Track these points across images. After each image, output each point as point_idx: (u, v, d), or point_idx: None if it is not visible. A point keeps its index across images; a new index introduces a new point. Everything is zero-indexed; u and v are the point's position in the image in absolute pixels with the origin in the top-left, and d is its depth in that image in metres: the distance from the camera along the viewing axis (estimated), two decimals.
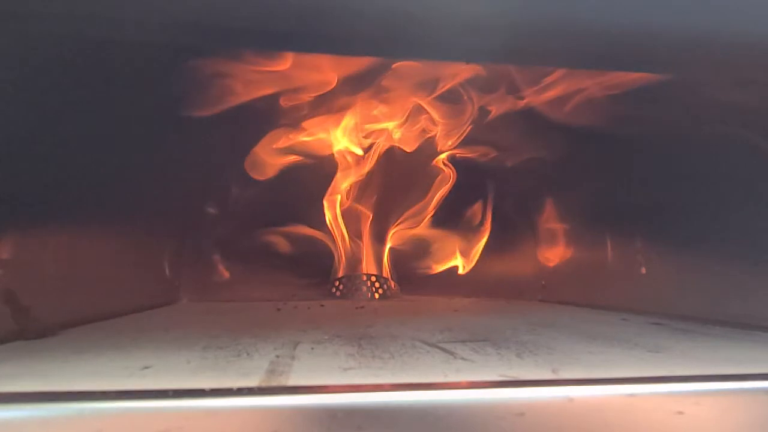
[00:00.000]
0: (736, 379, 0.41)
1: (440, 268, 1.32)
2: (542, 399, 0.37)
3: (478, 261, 1.31)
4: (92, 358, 0.48)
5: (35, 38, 0.63)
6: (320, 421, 0.34)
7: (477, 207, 1.34)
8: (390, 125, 1.21)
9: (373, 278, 1.29)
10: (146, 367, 0.44)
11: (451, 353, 0.52)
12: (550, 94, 1.05)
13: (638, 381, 0.40)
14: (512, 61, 0.71)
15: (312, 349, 0.54)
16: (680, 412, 0.38)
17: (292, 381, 0.40)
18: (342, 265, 1.31)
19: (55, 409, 0.32)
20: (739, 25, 0.51)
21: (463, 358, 0.49)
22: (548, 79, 1.01)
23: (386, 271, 1.32)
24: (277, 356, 0.49)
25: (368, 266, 1.31)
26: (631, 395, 0.38)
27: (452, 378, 0.41)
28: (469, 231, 1.32)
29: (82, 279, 0.77)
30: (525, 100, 1.07)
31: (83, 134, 0.77)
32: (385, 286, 1.29)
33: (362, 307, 1.06)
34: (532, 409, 0.37)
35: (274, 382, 0.39)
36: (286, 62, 0.96)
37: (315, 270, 1.30)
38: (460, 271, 1.31)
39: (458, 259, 1.32)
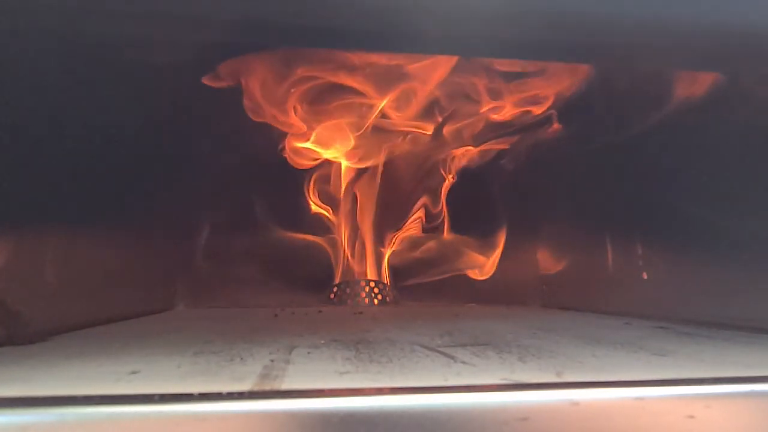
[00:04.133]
0: (747, 381, 0.40)
1: (441, 274, 1.30)
2: (546, 402, 0.36)
3: (483, 267, 1.29)
4: (80, 364, 0.47)
5: (36, 34, 0.62)
6: (314, 426, 0.33)
7: (477, 213, 1.32)
8: (394, 127, 1.19)
9: (372, 284, 1.27)
10: (134, 372, 0.42)
11: (452, 357, 0.50)
12: (550, 96, 1.04)
13: (646, 384, 0.39)
14: (513, 56, 0.70)
15: (308, 353, 0.52)
16: (691, 416, 0.36)
17: (286, 385, 0.38)
18: (341, 271, 1.30)
19: (35, 414, 0.31)
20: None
21: (463, 362, 0.47)
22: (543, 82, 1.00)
23: (386, 277, 1.30)
24: (272, 360, 0.48)
25: (367, 272, 1.30)
26: (639, 398, 0.37)
27: (453, 381, 0.40)
28: (470, 237, 1.31)
29: (75, 285, 0.76)
30: (523, 103, 1.06)
31: (79, 139, 0.76)
32: (384, 292, 1.27)
33: (361, 312, 1.05)
34: (536, 413, 0.35)
35: (267, 386, 0.37)
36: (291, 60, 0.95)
37: (313, 276, 1.28)
38: (476, 277, 1.29)
39: (460, 265, 1.30)
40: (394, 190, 1.31)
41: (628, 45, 0.49)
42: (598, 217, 1.08)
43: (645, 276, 0.94)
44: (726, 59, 0.57)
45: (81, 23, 0.56)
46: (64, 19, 0.55)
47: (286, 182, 1.26)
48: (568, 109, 1.06)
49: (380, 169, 1.28)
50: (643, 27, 0.44)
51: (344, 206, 1.30)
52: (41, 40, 0.63)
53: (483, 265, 1.28)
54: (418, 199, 1.32)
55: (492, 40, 0.45)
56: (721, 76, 0.73)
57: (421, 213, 1.33)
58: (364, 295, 1.26)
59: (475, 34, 0.45)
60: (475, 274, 1.28)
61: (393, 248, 1.32)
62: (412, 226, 1.33)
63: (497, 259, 1.27)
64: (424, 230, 1.33)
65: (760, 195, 0.72)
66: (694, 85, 0.79)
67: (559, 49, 0.49)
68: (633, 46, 0.48)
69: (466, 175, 1.29)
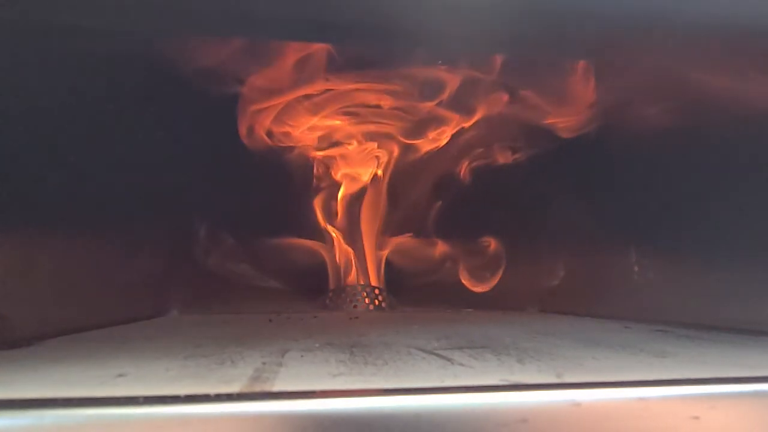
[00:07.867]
0: (752, 381, 0.39)
1: (439, 279, 1.29)
2: (547, 403, 0.35)
3: (480, 272, 1.27)
4: (65, 368, 0.45)
5: (36, 34, 0.61)
6: (305, 429, 0.31)
7: (476, 217, 1.31)
8: (394, 129, 1.18)
9: (369, 289, 1.26)
10: (120, 375, 0.41)
11: (449, 359, 0.49)
12: (549, 101, 1.03)
13: (649, 384, 0.37)
14: (512, 52, 0.69)
15: (301, 356, 0.51)
16: (695, 417, 0.35)
17: (277, 387, 0.37)
18: (337, 277, 1.28)
19: (9, 417, 0.29)
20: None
21: (461, 364, 0.46)
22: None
23: (383, 283, 1.29)
24: (264, 363, 0.46)
25: (364, 277, 1.28)
26: (642, 399, 0.35)
27: (450, 383, 0.39)
28: (469, 242, 1.30)
29: (67, 289, 0.74)
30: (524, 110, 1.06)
31: (73, 142, 0.75)
32: (381, 298, 1.26)
33: (357, 317, 1.03)
34: (536, 414, 0.34)
35: (257, 389, 0.36)
36: (283, 58, 0.94)
37: (310, 281, 1.27)
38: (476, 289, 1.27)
39: (458, 270, 1.29)
40: (393, 195, 1.30)
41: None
42: (596, 220, 1.07)
43: (641, 281, 0.93)
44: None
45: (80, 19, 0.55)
46: (65, 16, 0.55)
47: (284, 185, 1.25)
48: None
49: (380, 173, 1.27)
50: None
51: (342, 210, 1.29)
52: (43, 43, 0.62)
53: (483, 274, 1.27)
54: (418, 203, 1.31)
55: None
56: (717, 76, 0.73)
57: (420, 216, 1.32)
58: (360, 300, 1.24)
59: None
60: (475, 287, 1.26)
61: (390, 253, 1.31)
62: (411, 230, 1.32)
63: (498, 269, 1.26)
64: (422, 236, 1.32)
65: (759, 195, 0.71)
66: (688, 86, 0.78)
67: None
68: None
69: (465, 180, 1.29)
